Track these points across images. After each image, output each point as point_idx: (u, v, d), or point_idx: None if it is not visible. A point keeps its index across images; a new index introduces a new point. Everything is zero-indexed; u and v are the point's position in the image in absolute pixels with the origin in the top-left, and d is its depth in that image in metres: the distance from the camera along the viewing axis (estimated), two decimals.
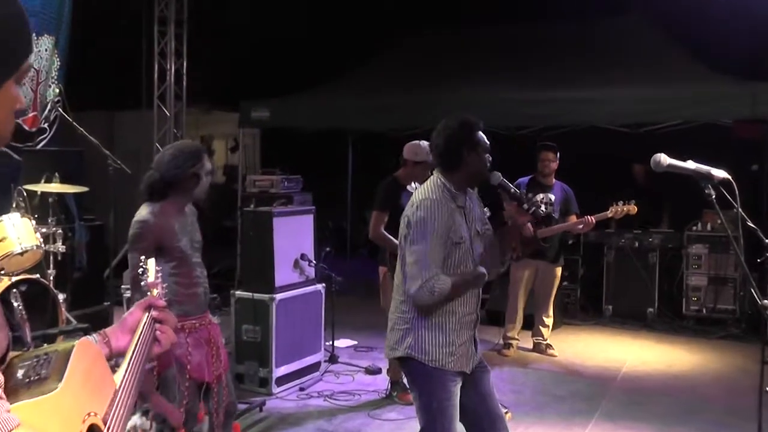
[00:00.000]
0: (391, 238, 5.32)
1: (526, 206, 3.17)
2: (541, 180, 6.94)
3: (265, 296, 5.91)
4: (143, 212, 3.58)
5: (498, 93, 8.74)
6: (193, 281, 3.65)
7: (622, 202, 6.32)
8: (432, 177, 3.26)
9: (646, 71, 8.80)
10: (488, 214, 3.43)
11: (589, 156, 10.72)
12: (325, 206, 9.68)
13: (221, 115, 13.02)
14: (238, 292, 6.10)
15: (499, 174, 3.27)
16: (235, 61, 13.48)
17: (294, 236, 6.19)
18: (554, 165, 6.87)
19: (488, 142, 3.28)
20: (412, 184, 5.50)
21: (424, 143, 5.34)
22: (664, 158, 2.63)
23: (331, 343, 6.78)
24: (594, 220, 6.43)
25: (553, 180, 6.98)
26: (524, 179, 6.97)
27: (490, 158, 3.27)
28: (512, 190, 3.20)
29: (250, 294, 5.96)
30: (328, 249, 6.80)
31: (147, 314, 1.80)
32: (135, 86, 10.14)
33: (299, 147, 12.60)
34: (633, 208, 6.29)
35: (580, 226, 6.54)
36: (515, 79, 9.14)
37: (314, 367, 6.36)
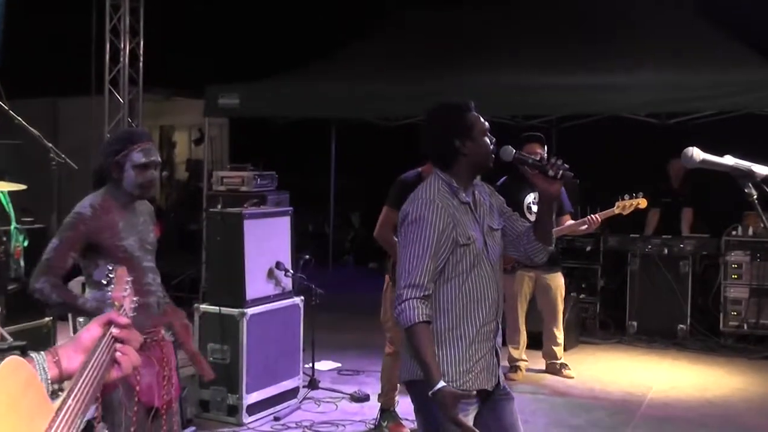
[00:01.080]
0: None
1: (551, 172, 3.20)
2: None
3: (235, 311, 5.91)
4: (84, 201, 3.69)
5: (504, 78, 8.79)
6: (144, 289, 3.65)
7: (628, 195, 6.35)
8: (431, 175, 3.29)
9: (678, 53, 8.85)
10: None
11: (611, 151, 10.80)
12: (304, 207, 9.69)
13: (183, 103, 13.02)
14: (202, 306, 6.10)
15: (511, 148, 3.28)
16: (200, 40, 13.50)
17: (268, 242, 6.19)
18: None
19: (485, 122, 3.29)
20: None
21: None
22: (697, 152, 2.62)
23: (311, 365, 6.79)
24: (599, 219, 6.45)
25: None
26: (511, 177, 6.90)
27: (494, 139, 3.29)
28: (530, 160, 3.22)
29: (217, 308, 5.97)
30: (307, 256, 6.81)
31: (106, 332, 1.76)
32: (83, 69, 10.13)
33: (274, 139, 12.61)
34: (642, 202, 6.30)
35: (584, 227, 6.53)
36: (524, 62, 9.19)
37: (291, 394, 6.35)
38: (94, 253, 3.64)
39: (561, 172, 3.16)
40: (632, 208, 6.39)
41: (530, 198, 6.79)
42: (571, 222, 6.62)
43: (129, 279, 2.05)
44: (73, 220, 3.62)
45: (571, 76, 8.53)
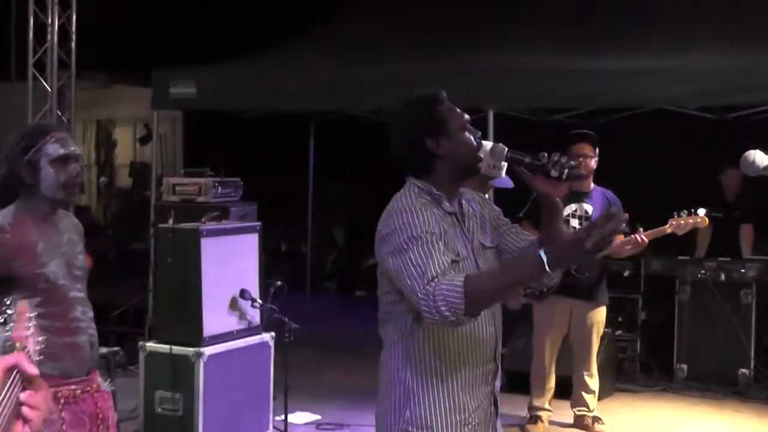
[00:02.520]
0: None
1: (554, 172, 3.14)
2: (572, 185, 6.98)
3: (189, 350, 5.91)
4: None
5: (522, 61, 8.80)
6: (72, 326, 3.60)
7: (686, 212, 6.37)
8: (406, 183, 3.29)
9: (740, 30, 8.84)
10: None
11: (652, 152, 10.84)
12: (275, 221, 9.67)
13: (126, 92, 13.02)
14: (149, 344, 6.09)
15: (503, 146, 3.25)
16: (147, 15, 13.51)
17: (231, 264, 6.19)
18: (593, 163, 6.93)
19: (463, 114, 3.29)
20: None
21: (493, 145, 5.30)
22: (760, 157, 2.63)
23: (283, 418, 6.77)
24: (646, 239, 6.46)
25: (591, 184, 7.05)
26: None
27: (478, 133, 3.30)
28: (527, 159, 3.17)
29: (167, 347, 5.96)
30: (279, 283, 6.78)
31: (9, 380, 1.76)
32: (1, 50, 10.12)
33: (239, 137, 12.64)
34: (703, 221, 6.34)
35: (628, 247, 6.57)
36: (546, 42, 9.21)
37: None
38: (5, 286, 3.48)
39: (566, 171, 3.10)
40: (689, 228, 6.41)
41: (568, 210, 6.82)
42: (618, 241, 6.66)
43: (31, 315, 2.00)
44: None
45: (605, 59, 8.53)
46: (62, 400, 3.52)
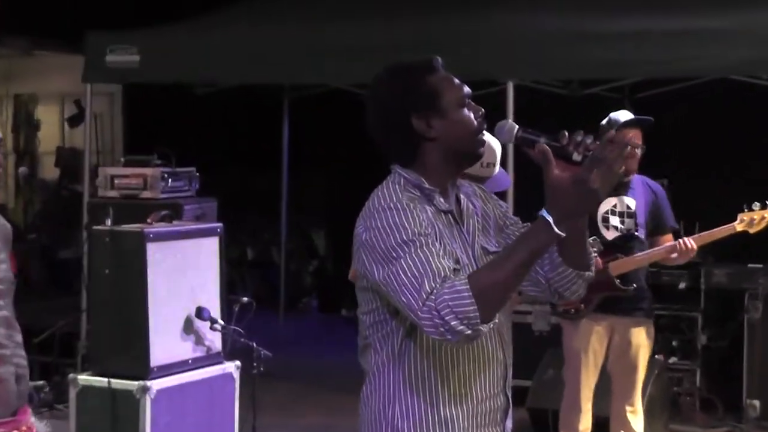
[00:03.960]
0: None
1: (576, 155, 3.10)
2: None
3: (133, 384, 5.87)
4: None
5: (547, 21, 8.80)
6: None
7: (759, 204, 6.37)
8: (391, 173, 3.32)
9: None
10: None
11: (712, 133, 10.84)
12: (240, 222, 9.63)
13: (52, 60, 13.00)
14: (82, 377, 6.07)
15: (512, 123, 3.24)
16: None
17: (185, 276, 6.19)
18: (639, 152, 6.94)
19: (463, 86, 3.28)
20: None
21: (486, 140, 5.27)
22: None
23: None
24: (695, 245, 6.48)
25: (634, 174, 7.06)
26: None
27: (480, 110, 3.28)
28: (542, 141, 3.14)
29: (105, 380, 5.92)
30: (246, 299, 6.78)
31: None
32: None
33: (194, 117, 12.61)
34: None
35: (673, 255, 6.59)
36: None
37: None
38: None
39: (589, 152, 3.04)
40: (764, 225, 6.41)
41: (606, 205, 6.83)
42: (660, 247, 6.70)
43: None
44: None
45: (653, 17, 8.55)
46: None
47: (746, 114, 10.45)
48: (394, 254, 3.05)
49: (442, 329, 2.92)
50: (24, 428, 3.71)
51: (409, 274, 3.00)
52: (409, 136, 3.23)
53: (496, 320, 3.08)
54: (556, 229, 2.91)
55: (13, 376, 3.66)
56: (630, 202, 6.94)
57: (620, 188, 6.94)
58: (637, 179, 7.02)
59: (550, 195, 2.97)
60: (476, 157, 3.32)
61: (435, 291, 2.94)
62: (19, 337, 3.74)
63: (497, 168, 5.06)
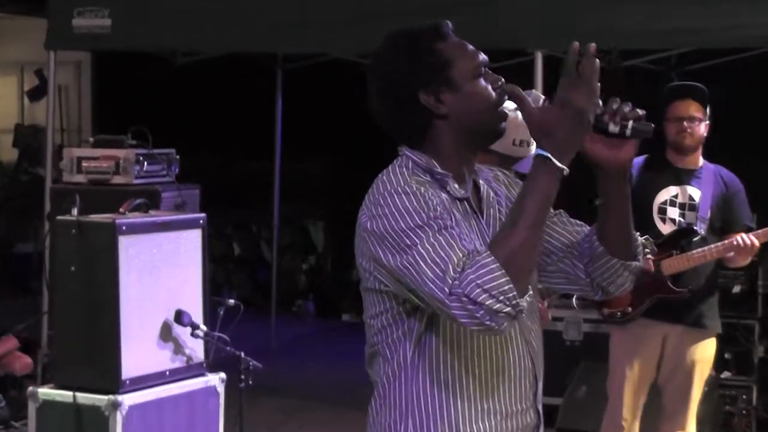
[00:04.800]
0: None
1: (613, 126, 3.10)
2: (673, 160, 6.99)
3: (102, 399, 5.86)
4: None
5: None
6: None
7: None
8: (400, 156, 3.34)
9: None
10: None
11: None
12: (226, 212, 9.59)
13: (11, 24, 13.03)
14: (43, 391, 6.06)
15: (539, 95, 3.27)
16: None
17: (162, 275, 6.20)
18: (702, 128, 6.92)
19: (479, 53, 3.27)
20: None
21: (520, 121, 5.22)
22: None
23: None
24: (757, 242, 6.50)
25: (700, 160, 7.03)
26: (636, 161, 7.01)
27: (500, 79, 3.27)
28: None
29: (70, 394, 5.91)
30: (232, 301, 6.78)
31: None
32: None
33: (173, 91, 12.62)
34: None
35: (730, 254, 6.64)
36: None
37: None
38: None
39: (631, 123, 3.08)
40: None
41: (665, 195, 6.80)
42: (717, 244, 6.72)
43: None
44: None
45: None
46: None
47: None
48: (408, 241, 3.05)
49: (478, 315, 2.91)
50: None
51: (429, 261, 2.99)
52: (417, 113, 3.24)
53: (524, 321, 3.17)
54: (558, 163, 2.95)
55: None
56: (694, 192, 6.92)
57: (683, 176, 6.93)
58: (708, 168, 7.01)
59: (537, 129, 3.04)
60: (496, 135, 3.30)
61: (460, 275, 2.93)
62: None
63: (533, 147, 5.02)
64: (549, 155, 2.93)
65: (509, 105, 3.36)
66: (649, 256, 6.43)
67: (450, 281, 2.94)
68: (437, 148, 3.24)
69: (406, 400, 3.20)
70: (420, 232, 3.02)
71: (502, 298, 2.87)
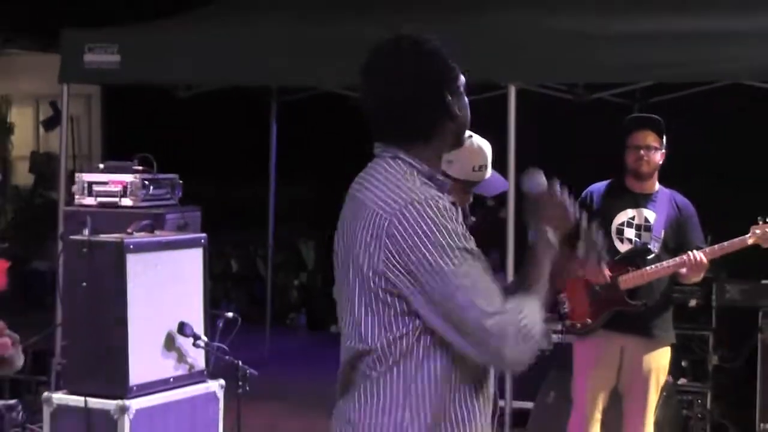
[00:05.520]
0: None
1: (581, 251, 3.26)
2: (631, 185, 7.04)
3: (111, 404, 5.87)
4: None
5: (555, 21, 8.82)
6: None
7: None
8: (383, 161, 3.37)
9: None
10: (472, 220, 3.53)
11: (728, 141, 10.87)
12: (224, 233, 9.62)
13: (26, 59, 13.01)
14: (57, 396, 6.07)
15: (544, 179, 3.41)
16: None
17: (167, 290, 6.21)
18: (657, 157, 6.96)
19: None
20: None
21: (477, 142, 5.30)
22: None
23: None
24: (704, 259, 6.53)
25: (656, 185, 7.08)
26: (599, 186, 7.08)
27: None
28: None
29: (82, 399, 5.92)
30: (231, 314, 6.80)
31: None
32: None
33: (176, 121, 12.62)
34: None
35: (684, 270, 6.66)
36: None
37: None
38: None
39: (600, 254, 3.41)
40: None
41: (623, 217, 6.89)
42: (670, 261, 6.75)
43: None
44: None
45: (665, 17, 8.57)
46: None
47: (763, 121, 10.48)
48: (455, 262, 3.13)
49: (527, 347, 3.11)
50: None
51: (482, 288, 3.14)
52: (437, 110, 3.35)
53: None
54: (551, 242, 3.27)
55: None
56: (649, 215, 6.96)
57: (640, 200, 6.98)
58: (663, 192, 7.05)
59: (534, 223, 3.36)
60: (461, 145, 3.53)
61: (502, 309, 3.11)
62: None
63: (489, 171, 5.09)
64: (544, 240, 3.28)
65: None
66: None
67: (499, 312, 3.09)
68: (438, 147, 3.38)
69: (404, 392, 3.24)
70: (466, 256, 3.14)
71: (544, 337, 3.11)
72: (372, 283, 3.23)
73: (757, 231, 6.45)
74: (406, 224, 3.17)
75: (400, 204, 3.20)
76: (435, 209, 3.16)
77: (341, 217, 3.45)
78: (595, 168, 7.12)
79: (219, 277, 12.89)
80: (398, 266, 3.17)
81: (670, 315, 7.18)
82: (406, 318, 3.20)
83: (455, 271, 3.12)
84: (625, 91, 10.90)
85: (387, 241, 3.19)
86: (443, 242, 3.13)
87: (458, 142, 3.46)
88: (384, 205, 3.22)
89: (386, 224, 3.19)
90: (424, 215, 3.16)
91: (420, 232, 3.15)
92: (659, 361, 7.13)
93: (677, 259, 6.68)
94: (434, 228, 3.14)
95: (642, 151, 6.86)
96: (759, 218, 6.46)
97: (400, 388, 3.25)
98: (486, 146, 5.09)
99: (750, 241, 6.46)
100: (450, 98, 3.34)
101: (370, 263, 3.21)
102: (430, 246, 3.14)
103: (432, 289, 3.14)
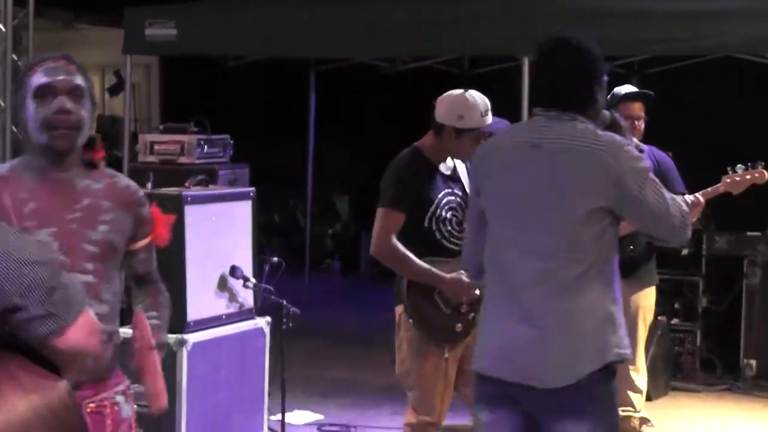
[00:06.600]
0: (410, 256, 5.34)
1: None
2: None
3: (171, 337, 5.74)
4: None
5: (562, 1, 8.85)
6: None
7: (742, 167, 6.39)
8: (569, 122, 3.96)
9: None
10: None
11: (718, 109, 10.89)
12: (268, 188, 9.68)
13: (93, 33, 13.04)
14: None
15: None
16: None
17: (219, 237, 6.24)
18: (641, 124, 7.01)
19: None
20: (448, 161, 5.58)
21: (475, 95, 5.43)
22: None
23: (279, 418, 6.86)
24: (702, 199, 6.41)
25: (641, 145, 7.12)
26: None
27: None
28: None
29: None
30: (276, 259, 6.88)
31: None
32: None
33: (226, 88, 12.66)
34: (762, 174, 6.31)
35: None
36: None
37: None
38: None
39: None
40: (746, 185, 6.43)
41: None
42: None
43: None
44: None
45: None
46: None
47: (750, 90, 10.49)
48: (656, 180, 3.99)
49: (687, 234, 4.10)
50: (98, 399, 3.52)
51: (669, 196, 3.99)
52: (595, 92, 4.04)
53: None
54: None
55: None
56: None
57: None
58: (646, 150, 7.08)
59: None
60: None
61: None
62: (101, 308, 3.52)
63: (490, 116, 5.54)
64: None
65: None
66: None
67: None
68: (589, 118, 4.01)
69: (606, 284, 4.15)
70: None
71: None
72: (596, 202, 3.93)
73: (728, 180, 6.42)
74: (623, 159, 3.91)
75: (617, 146, 3.94)
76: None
77: (511, 164, 4.05)
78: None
79: (263, 228, 12.97)
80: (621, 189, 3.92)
81: (654, 260, 7.21)
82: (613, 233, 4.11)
83: (659, 199, 3.98)
84: (624, 63, 10.93)
85: (630, 176, 3.89)
86: (652, 178, 3.97)
87: (594, 119, 4.08)
88: (602, 147, 3.90)
89: (611, 160, 3.87)
90: (633, 152, 3.99)
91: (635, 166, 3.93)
92: (646, 300, 7.14)
93: None
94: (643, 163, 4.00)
95: (635, 121, 6.93)
96: (729, 168, 6.45)
97: (603, 281, 4.25)
98: (482, 95, 5.50)
99: (721, 189, 6.42)
100: (597, 87, 4.02)
101: (597, 190, 3.89)
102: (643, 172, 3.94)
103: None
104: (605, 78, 4.09)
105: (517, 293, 3.93)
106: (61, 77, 3.42)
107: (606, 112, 4.06)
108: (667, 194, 3.99)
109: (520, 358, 3.88)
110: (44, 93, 3.39)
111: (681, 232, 4.05)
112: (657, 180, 3.99)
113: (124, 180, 3.68)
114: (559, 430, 3.88)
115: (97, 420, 3.46)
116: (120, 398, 3.59)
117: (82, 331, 2.64)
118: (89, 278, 3.47)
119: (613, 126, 4.04)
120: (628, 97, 7.00)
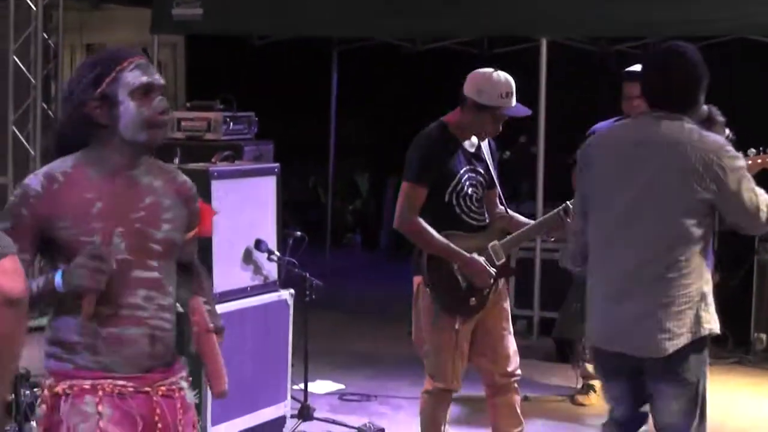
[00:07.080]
0: (433, 232, 5.29)
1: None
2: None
3: None
4: (39, 170, 3.38)
5: None
6: (123, 314, 3.35)
7: (754, 151, 6.34)
8: (677, 122, 4.26)
9: None
10: None
11: (733, 91, 10.80)
12: (291, 164, 9.67)
13: (120, 13, 13.02)
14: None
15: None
16: None
17: (245, 211, 6.23)
18: (641, 103, 6.92)
19: None
20: (473, 138, 5.51)
21: (501, 75, 5.37)
22: None
23: (302, 387, 6.89)
24: None
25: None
26: (604, 124, 7.06)
27: None
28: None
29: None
30: (299, 233, 6.86)
31: None
32: None
33: (251, 66, 12.63)
34: None
35: None
36: None
37: (275, 426, 6.42)
38: (55, 251, 3.34)
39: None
40: (758, 169, 6.39)
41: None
42: None
43: None
44: (16, 201, 3.30)
45: None
46: (100, 393, 3.30)
47: (764, 73, 10.42)
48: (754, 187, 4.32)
49: None
50: (155, 386, 3.43)
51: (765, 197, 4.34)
52: (699, 95, 4.41)
53: None
54: None
55: (147, 338, 3.38)
56: None
57: None
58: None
59: None
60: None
61: None
62: (164, 300, 3.44)
63: (514, 100, 5.39)
64: None
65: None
66: None
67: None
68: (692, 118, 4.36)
69: (702, 268, 4.41)
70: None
71: None
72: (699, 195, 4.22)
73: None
74: (725, 158, 4.23)
75: (719, 145, 4.28)
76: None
77: (622, 161, 4.39)
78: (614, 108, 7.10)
79: (286, 203, 12.96)
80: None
81: None
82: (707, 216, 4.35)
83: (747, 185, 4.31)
84: (640, 44, 10.86)
85: (725, 169, 4.20)
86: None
87: (696, 119, 4.39)
88: (706, 145, 4.22)
89: (714, 158, 4.18)
90: (732, 151, 4.29)
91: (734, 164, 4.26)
92: None
93: None
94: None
95: (635, 101, 6.84)
96: (740, 152, 6.40)
97: (700, 263, 4.46)
98: (509, 78, 5.34)
99: None
100: (701, 91, 4.35)
101: (699, 184, 4.19)
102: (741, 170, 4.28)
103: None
104: (707, 81, 4.37)
105: (626, 278, 4.34)
106: (156, 76, 3.41)
107: (704, 108, 4.38)
108: (759, 191, 4.32)
109: (630, 334, 4.35)
110: (146, 91, 3.35)
111: (765, 226, 4.40)
112: (752, 178, 4.32)
113: (180, 176, 3.66)
114: (659, 390, 4.40)
115: (169, 404, 3.46)
116: (185, 384, 3.55)
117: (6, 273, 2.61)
118: (154, 275, 3.43)
119: (709, 120, 4.17)
120: (630, 75, 6.92)
